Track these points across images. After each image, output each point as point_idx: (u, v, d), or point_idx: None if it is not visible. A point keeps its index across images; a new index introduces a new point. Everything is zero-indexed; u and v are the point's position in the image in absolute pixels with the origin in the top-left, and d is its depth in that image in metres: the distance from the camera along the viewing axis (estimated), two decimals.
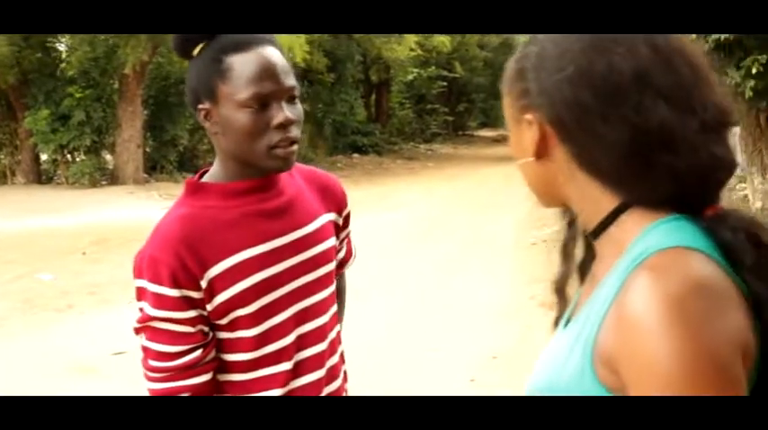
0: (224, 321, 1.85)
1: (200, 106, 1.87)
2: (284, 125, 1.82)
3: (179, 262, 1.78)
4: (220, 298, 1.83)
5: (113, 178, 20.34)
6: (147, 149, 21.80)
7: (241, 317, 1.85)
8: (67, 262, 10.64)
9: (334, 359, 2.04)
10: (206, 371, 1.85)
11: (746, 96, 10.88)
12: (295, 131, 1.85)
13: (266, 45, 1.85)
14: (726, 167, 1.20)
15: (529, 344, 6.74)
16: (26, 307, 8.38)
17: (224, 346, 1.89)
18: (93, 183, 19.70)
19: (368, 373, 5.63)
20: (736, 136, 14.16)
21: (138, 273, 1.83)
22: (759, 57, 10.51)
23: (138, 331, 1.87)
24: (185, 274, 1.79)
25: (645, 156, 1.15)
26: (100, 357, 6.55)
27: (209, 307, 1.83)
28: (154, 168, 21.75)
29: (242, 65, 1.81)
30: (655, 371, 1.02)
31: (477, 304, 8.09)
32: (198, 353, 1.83)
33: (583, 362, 1.14)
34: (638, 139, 1.15)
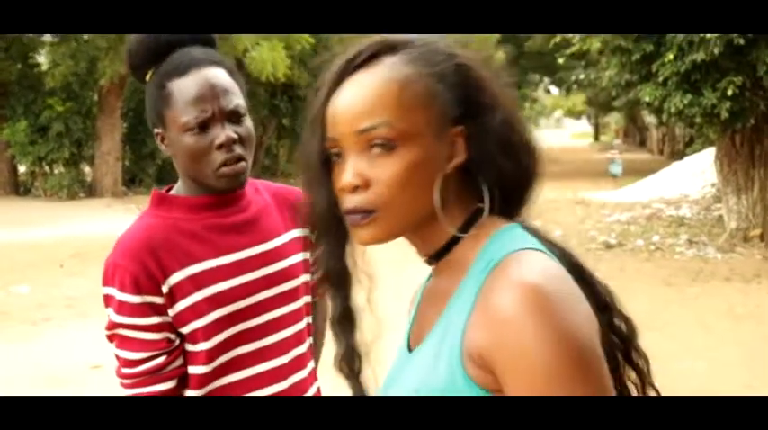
0: (185, 330, 1.87)
1: (156, 130, 1.92)
2: (225, 145, 1.84)
3: (142, 267, 1.81)
4: (180, 306, 1.85)
5: (91, 191, 20.28)
6: (126, 162, 21.77)
7: (198, 328, 1.86)
8: (44, 274, 10.60)
9: (301, 374, 2.03)
10: (170, 378, 1.86)
11: (722, 118, 10.99)
12: (240, 149, 1.87)
13: (208, 67, 1.87)
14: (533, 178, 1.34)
15: None
16: (2, 319, 8.34)
17: (186, 358, 1.90)
18: (72, 196, 19.64)
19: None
20: (711, 157, 14.32)
21: (104, 281, 1.85)
22: (735, 79, 10.62)
23: (109, 338, 1.90)
24: (148, 280, 1.81)
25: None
26: (77, 370, 6.52)
27: (170, 313, 1.85)
28: (132, 181, 21.71)
29: (181, 89, 1.84)
30: (529, 359, 1.07)
31: None
32: (161, 359, 1.84)
33: (452, 367, 1.16)
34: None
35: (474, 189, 1.28)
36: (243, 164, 1.88)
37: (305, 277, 2.08)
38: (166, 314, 1.84)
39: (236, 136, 1.86)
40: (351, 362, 1.43)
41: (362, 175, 1.21)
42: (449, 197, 1.25)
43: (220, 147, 1.84)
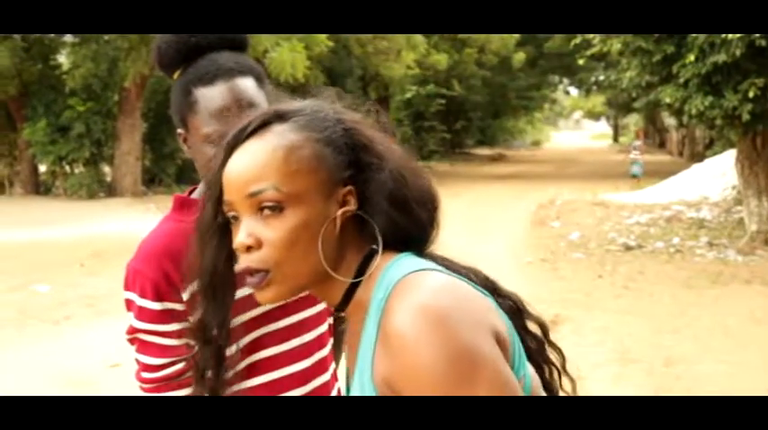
0: None
1: (179, 131, 1.90)
2: None
3: (162, 274, 1.79)
4: (200, 313, 1.79)
5: (111, 190, 20.38)
6: (146, 162, 21.86)
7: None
8: (64, 273, 10.65)
9: (323, 377, 2.02)
10: (189, 385, 1.83)
11: (743, 120, 10.92)
12: None
13: (236, 77, 1.84)
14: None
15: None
16: (22, 318, 8.38)
17: None
18: (91, 195, 19.74)
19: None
20: (732, 159, 14.23)
21: (126, 286, 1.84)
22: (756, 80, 10.55)
23: (130, 342, 1.89)
24: (168, 287, 1.79)
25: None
26: (95, 369, 6.55)
27: (192, 319, 1.79)
28: (152, 181, 21.80)
29: (206, 99, 1.81)
30: (424, 379, 1.13)
31: None
32: (180, 366, 1.83)
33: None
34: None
35: (369, 235, 1.36)
36: None
37: None
38: (187, 320, 1.81)
39: None
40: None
41: (254, 236, 1.31)
42: (344, 248, 1.35)
43: None
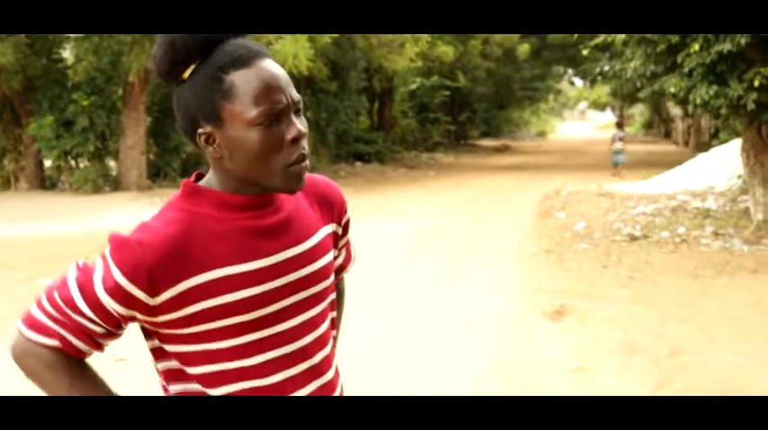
0: (190, 331, 1.79)
1: (201, 131, 1.78)
2: (298, 139, 1.75)
3: (148, 264, 1.70)
4: (192, 308, 1.75)
5: (116, 185, 20.39)
6: (151, 156, 21.86)
7: (213, 329, 1.78)
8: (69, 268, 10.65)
9: (325, 377, 1.96)
10: (86, 342, 1.79)
11: (748, 109, 10.90)
12: (306, 146, 1.78)
13: (265, 58, 1.77)
14: None
15: (530, 354, 6.76)
16: None
17: (188, 359, 1.83)
18: (97, 190, 19.75)
19: (367, 382, 5.65)
20: (737, 148, 14.20)
21: (111, 243, 1.75)
22: (762, 69, 10.53)
23: (76, 267, 1.80)
24: (147, 278, 1.70)
25: None
26: (102, 363, 6.54)
27: (175, 315, 1.75)
28: (157, 175, 21.80)
29: (246, 81, 1.72)
30: None
31: (478, 313, 8.09)
32: (100, 330, 1.78)
33: None
34: None
35: None
36: (308, 162, 1.79)
37: (333, 275, 2.02)
38: (145, 312, 1.75)
39: (305, 129, 1.77)
40: None
41: None
42: None
43: (293, 141, 1.75)
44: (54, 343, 1.79)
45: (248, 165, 1.76)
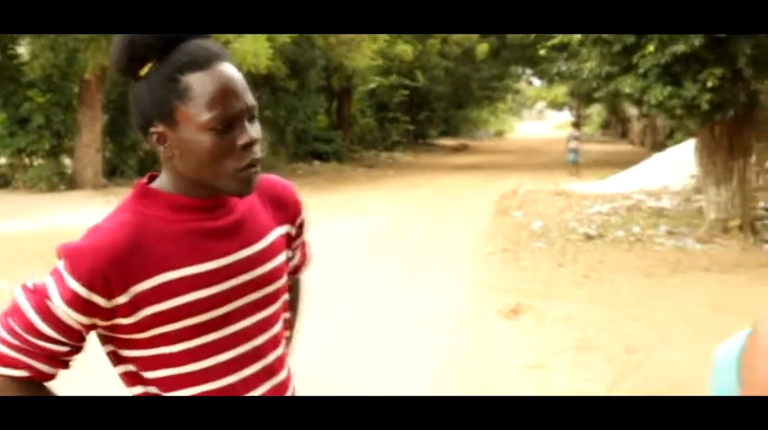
0: (145, 335, 1.78)
1: (153, 129, 1.77)
2: (249, 145, 1.75)
3: (103, 266, 1.69)
4: (146, 311, 1.74)
5: (72, 183, 20.18)
6: (107, 154, 21.66)
7: (167, 333, 1.77)
8: (24, 267, 10.52)
9: (278, 377, 1.96)
10: (53, 365, 1.78)
11: (702, 109, 11.04)
12: (259, 151, 1.78)
13: (224, 61, 1.76)
14: None
15: (486, 353, 6.80)
16: None
17: (144, 364, 1.82)
18: (52, 188, 19.53)
19: (323, 382, 5.64)
20: (692, 148, 14.38)
21: (63, 254, 1.74)
22: (715, 70, 10.67)
23: (25, 290, 1.77)
24: (103, 282, 1.69)
25: None
26: None
27: (130, 319, 1.75)
28: (113, 173, 21.61)
29: (202, 84, 1.71)
30: None
31: (435, 312, 8.12)
32: (64, 349, 1.76)
33: (734, 357, 1.20)
34: None
35: None
36: (259, 168, 1.79)
37: (286, 277, 2.01)
38: (105, 317, 1.74)
39: (258, 136, 1.76)
40: None
41: None
42: None
43: (245, 147, 1.74)
44: (22, 373, 1.77)
45: (198, 167, 1.75)
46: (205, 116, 1.71)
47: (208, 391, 1.83)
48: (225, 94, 1.72)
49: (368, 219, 15.33)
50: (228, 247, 1.84)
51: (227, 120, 1.72)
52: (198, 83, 1.71)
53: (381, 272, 10.36)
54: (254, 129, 1.77)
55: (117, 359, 1.86)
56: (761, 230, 12.38)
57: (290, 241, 2.08)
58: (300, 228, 2.12)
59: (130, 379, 1.87)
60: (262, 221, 1.95)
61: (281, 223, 2.02)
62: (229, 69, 1.76)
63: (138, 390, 1.86)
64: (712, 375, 1.23)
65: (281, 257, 1.98)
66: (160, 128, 1.76)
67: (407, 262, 11.09)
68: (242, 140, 1.74)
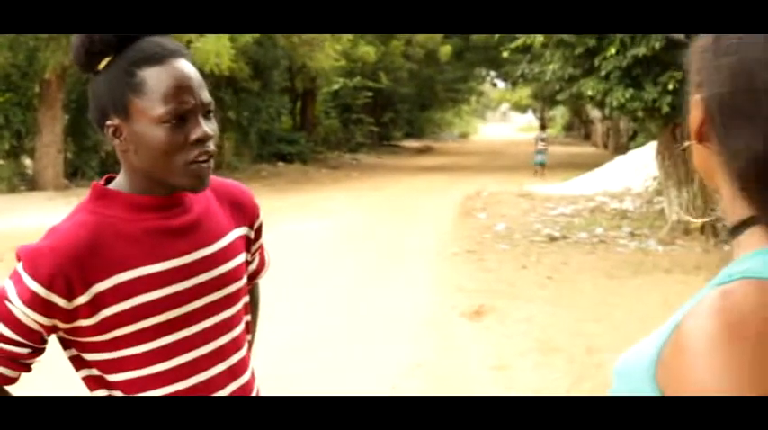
0: (106, 337, 1.78)
1: (109, 122, 1.78)
2: (202, 140, 1.76)
3: (63, 267, 1.70)
4: (106, 312, 1.75)
5: (33, 184, 19.97)
6: (69, 155, 21.46)
7: (129, 334, 1.78)
8: None
9: (242, 379, 1.97)
10: (14, 368, 1.79)
11: (663, 112, 11.15)
12: (212, 146, 1.79)
13: (180, 57, 1.78)
14: None
15: (450, 353, 6.82)
16: None
17: (107, 367, 1.82)
18: (12, 189, 19.31)
19: (287, 381, 5.63)
20: (653, 151, 14.51)
21: (21, 260, 1.75)
22: (676, 74, 10.78)
23: None
24: (63, 282, 1.70)
25: None
26: None
27: (91, 320, 1.75)
28: (75, 174, 21.41)
29: (157, 79, 1.73)
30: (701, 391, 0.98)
31: (399, 313, 8.13)
32: (25, 351, 1.77)
33: (650, 361, 1.10)
34: None
35: None
36: (211, 163, 1.80)
37: (245, 278, 2.03)
38: (65, 319, 1.75)
39: (212, 132, 1.77)
40: None
41: None
42: None
43: (197, 142, 1.75)
44: (6, 372, 1.78)
45: (151, 161, 1.76)
46: (159, 110, 1.73)
47: (172, 393, 1.84)
48: (179, 88, 1.74)
49: (332, 219, 15.31)
50: (186, 247, 1.86)
51: (181, 115, 1.74)
52: (153, 77, 1.73)
53: (346, 272, 10.35)
54: (209, 126, 1.79)
55: (80, 363, 1.87)
56: (722, 232, 12.52)
57: (249, 244, 2.08)
58: (258, 231, 2.13)
59: (93, 382, 1.87)
60: (219, 222, 1.96)
61: (239, 225, 2.02)
62: (185, 65, 1.78)
63: (101, 394, 1.86)
64: (614, 386, 1.19)
65: (240, 258, 1.99)
66: (116, 121, 1.78)
67: (372, 262, 11.09)
68: (195, 134, 1.75)
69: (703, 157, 1.19)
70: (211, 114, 1.81)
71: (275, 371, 5.57)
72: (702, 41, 1.17)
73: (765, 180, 1.07)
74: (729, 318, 0.99)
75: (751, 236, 1.11)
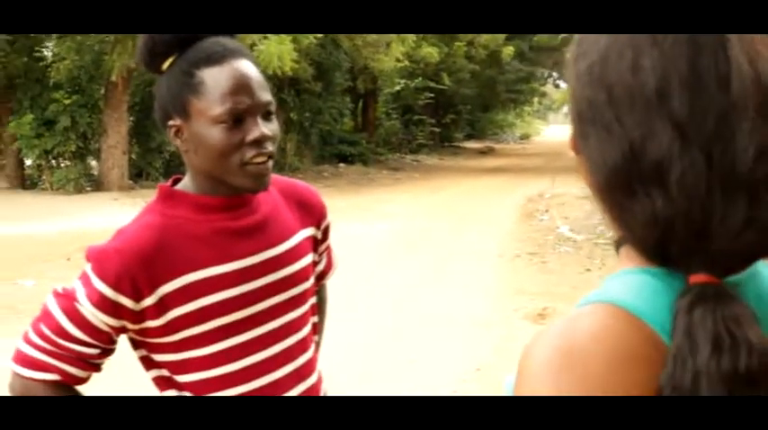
0: (174, 338, 1.78)
1: (171, 122, 1.81)
2: (259, 141, 1.75)
3: (130, 268, 1.71)
4: (173, 313, 1.76)
5: (98, 184, 20.29)
6: (133, 156, 21.76)
7: (196, 335, 1.78)
8: (51, 268, 10.58)
9: (309, 381, 1.96)
10: (84, 368, 1.80)
11: None
12: (271, 147, 1.78)
13: (240, 58, 1.78)
14: (737, 231, 0.89)
15: (511, 357, 6.74)
16: (8, 313, 8.32)
17: (176, 368, 1.83)
18: (78, 190, 19.63)
19: (349, 385, 5.62)
20: None
21: (90, 260, 1.76)
22: None
23: (55, 294, 1.80)
24: (130, 284, 1.72)
25: (629, 186, 0.93)
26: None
27: (159, 322, 1.76)
28: (139, 175, 21.71)
29: (215, 79, 1.74)
30: None
31: (460, 315, 8.08)
32: (94, 351, 1.78)
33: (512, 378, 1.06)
34: (628, 163, 0.93)
35: None
36: (271, 163, 1.79)
37: (313, 279, 2.02)
38: (133, 320, 1.76)
39: (270, 133, 1.77)
40: None
41: None
42: None
43: (254, 143, 1.74)
44: (53, 377, 1.79)
45: (210, 161, 1.77)
46: (216, 110, 1.73)
47: (239, 394, 1.84)
48: (237, 88, 1.74)
49: (393, 220, 15.30)
50: (253, 247, 1.85)
51: (238, 115, 1.74)
52: (211, 77, 1.74)
53: (407, 273, 10.32)
54: (269, 127, 1.78)
55: (149, 364, 1.88)
56: None
57: (316, 245, 2.07)
58: (325, 232, 2.12)
59: (163, 383, 1.88)
60: (286, 222, 1.95)
61: (306, 225, 2.01)
62: (244, 65, 1.78)
63: (171, 394, 1.87)
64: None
65: (307, 259, 1.98)
66: (177, 121, 1.80)
67: (432, 264, 11.04)
68: (252, 135, 1.75)
69: (581, 170, 1.04)
70: (272, 115, 1.81)
71: (335, 374, 5.56)
72: (571, 44, 1.07)
73: (620, 197, 0.95)
74: (563, 345, 0.93)
75: (625, 252, 1.02)
